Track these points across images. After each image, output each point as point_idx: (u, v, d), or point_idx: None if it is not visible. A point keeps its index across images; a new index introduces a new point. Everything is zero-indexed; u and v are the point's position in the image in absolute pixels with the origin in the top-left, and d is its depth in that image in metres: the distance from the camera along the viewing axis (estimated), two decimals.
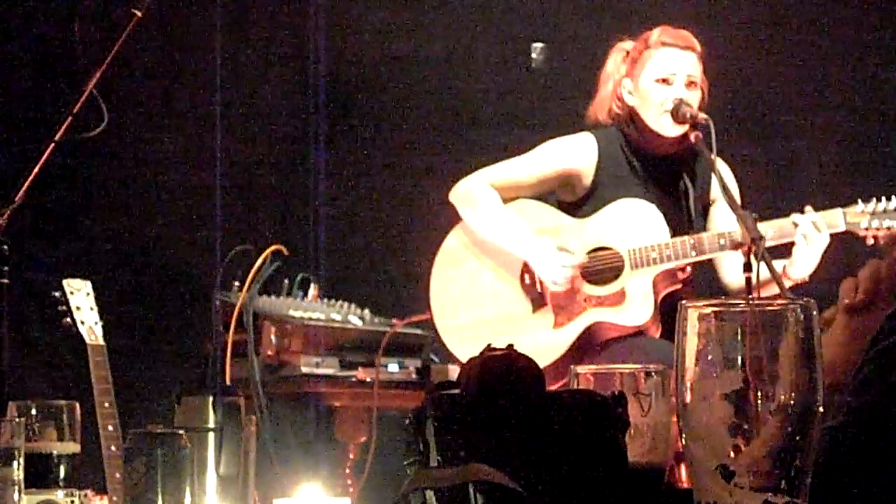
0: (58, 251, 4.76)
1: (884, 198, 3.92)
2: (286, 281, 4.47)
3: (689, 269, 4.08)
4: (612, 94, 4.14)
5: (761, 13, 5.26)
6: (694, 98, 4.03)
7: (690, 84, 4.05)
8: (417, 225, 5.06)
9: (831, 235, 3.93)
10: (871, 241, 3.91)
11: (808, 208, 3.95)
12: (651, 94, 4.05)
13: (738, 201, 3.92)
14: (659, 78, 4.05)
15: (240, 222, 5.32)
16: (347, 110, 5.71)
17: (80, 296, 3.47)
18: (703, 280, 4.20)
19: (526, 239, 4.08)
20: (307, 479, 2.86)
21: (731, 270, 4.13)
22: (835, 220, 3.91)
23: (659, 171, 4.13)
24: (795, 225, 3.90)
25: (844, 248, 3.97)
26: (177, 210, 5.19)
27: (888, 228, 3.89)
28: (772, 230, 3.88)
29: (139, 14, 3.50)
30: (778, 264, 3.81)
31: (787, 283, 3.81)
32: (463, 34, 5.55)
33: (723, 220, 4.05)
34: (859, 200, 3.93)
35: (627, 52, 4.14)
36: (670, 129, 4.03)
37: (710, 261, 4.12)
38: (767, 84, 5.27)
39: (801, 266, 3.91)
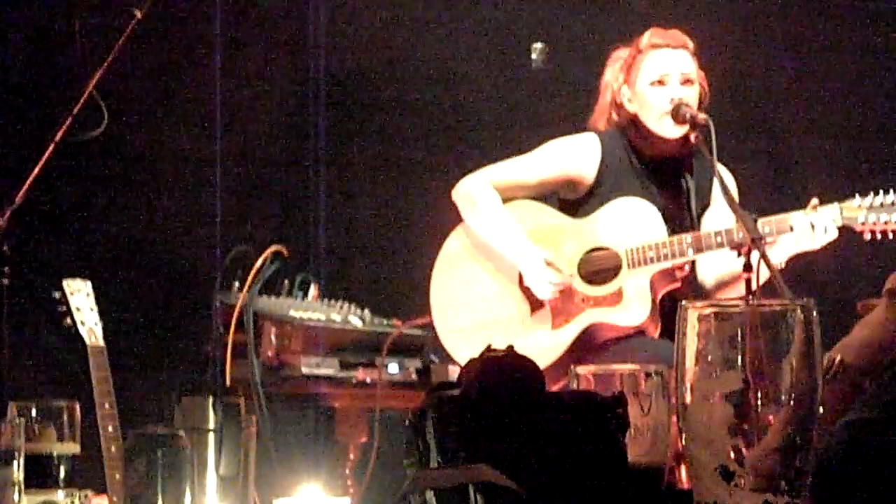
0: (58, 251, 4.76)
1: (881, 191, 3.90)
2: (286, 281, 4.47)
3: (687, 267, 4.07)
4: (611, 103, 4.14)
5: (759, 11, 5.26)
6: (691, 95, 4.03)
7: (686, 82, 4.04)
8: (417, 225, 5.06)
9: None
10: (867, 237, 3.88)
11: (815, 201, 3.92)
12: (648, 97, 4.05)
13: (737, 201, 3.91)
14: (653, 80, 4.05)
15: (240, 223, 5.32)
16: (347, 110, 5.71)
17: (80, 296, 3.47)
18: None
19: (519, 248, 4.08)
20: (307, 480, 2.86)
21: (705, 266, 4.13)
22: (829, 220, 3.89)
23: (661, 171, 4.13)
24: (791, 228, 3.89)
25: (843, 244, 3.96)
26: (177, 210, 5.19)
27: (885, 223, 3.87)
28: (769, 226, 3.87)
29: (139, 14, 3.50)
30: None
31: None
32: (463, 34, 5.55)
33: (715, 224, 4.04)
34: (856, 195, 3.91)
35: (625, 60, 4.14)
36: (671, 131, 4.03)
37: None
38: (766, 82, 5.27)
39: (779, 251, 3.88)
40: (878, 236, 3.88)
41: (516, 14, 5.53)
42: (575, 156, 4.13)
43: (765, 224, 3.85)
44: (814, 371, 1.08)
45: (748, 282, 3.67)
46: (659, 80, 4.04)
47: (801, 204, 3.95)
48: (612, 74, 4.15)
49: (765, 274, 3.64)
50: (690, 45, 4.08)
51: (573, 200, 4.17)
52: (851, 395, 1.65)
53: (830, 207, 3.90)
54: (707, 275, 4.16)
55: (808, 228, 3.87)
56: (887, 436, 1.54)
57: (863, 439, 1.52)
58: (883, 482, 1.51)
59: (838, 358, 1.77)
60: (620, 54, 4.16)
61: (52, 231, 4.82)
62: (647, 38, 4.09)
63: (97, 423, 3.17)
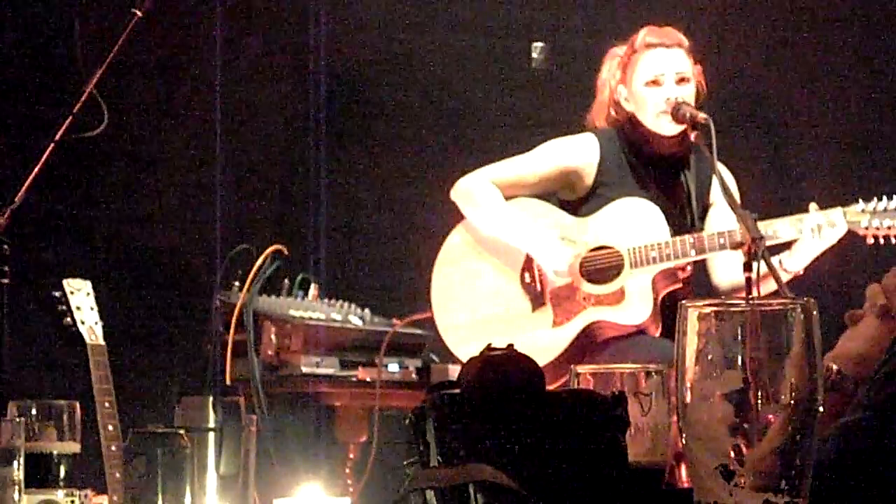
0: (58, 251, 4.76)
1: (885, 197, 3.93)
2: (286, 281, 4.47)
3: (689, 268, 4.08)
4: (609, 101, 4.15)
5: (762, 12, 5.26)
6: (687, 94, 4.03)
7: (681, 81, 4.04)
8: (418, 224, 5.06)
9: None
10: (870, 241, 3.92)
11: (813, 205, 3.94)
12: (644, 97, 4.05)
13: (738, 201, 3.92)
14: (648, 80, 4.05)
15: (240, 222, 5.32)
16: (347, 110, 5.71)
17: (81, 295, 3.47)
18: (703, 279, 4.21)
19: (529, 231, 4.09)
20: (307, 479, 2.86)
21: (722, 269, 4.14)
22: (835, 219, 3.92)
23: (660, 171, 4.13)
24: (800, 231, 3.91)
25: (844, 247, 3.98)
26: (177, 210, 5.20)
27: (888, 228, 3.90)
28: (774, 228, 3.88)
29: (139, 14, 3.50)
30: (775, 259, 3.82)
31: (783, 276, 3.81)
32: (463, 33, 5.55)
33: (721, 224, 4.05)
34: (859, 199, 3.94)
35: (620, 58, 4.14)
36: (669, 129, 4.03)
37: (705, 259, 4.13)
38: (768, 83, 5.27)
39: (798, 259, 3.92)
40: (881, 241, 3.92)
41: (516, 14, 5.53)
42: (574, 155, 4.14)
43: (768, 227, 3.86)
44: (814, 370, 1.08)
45: (748, 280, 3.67)
46: (654, 81, 4.04)
47: (802, 207, 3.96)
48: (608, 72, 4.16)
49: (769, 280, 3.66)
50: (686, 42, 4.08)
51: (573, 201, 4.17)
52: (848, 405, 1.65)
53: (834, 211, 3.93)
54: (722, 279, 4.16)
55: (817, 228, 3.89)
56: (880, 436, 1.54)
57: (856, 440, 1.53)
58: (877, 482, 1.51)
59: (835, 368, 1.77)
60: (617, 51, 4.16)
61: (52, 230, 4.83)
62: (642, 37, 4.09)
63: (97, 423, 3.17)
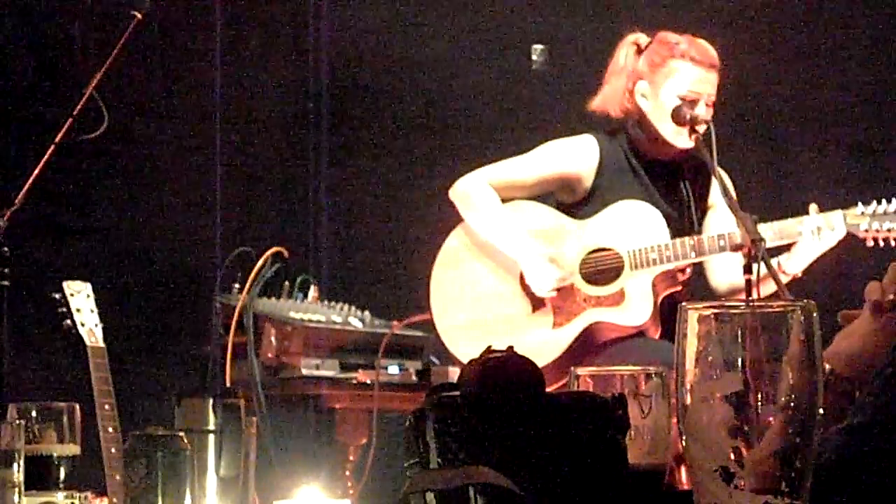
0: (58, 253, 4.76)
1: (884, 200, 3.93)
2: (286, 283, 4.47)
3: (689, 270, 4.08)
4: (625, 90, 4.08)
5: (763, 15, 5.26)
6: (710, 115, 3.99)
7: (710, 104, 4.01)
8: (417, 226, 5.06)
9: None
10: (870, 243, 3.92)
11: (814, 206, 3.94)
12: (671, 109, 4.00)
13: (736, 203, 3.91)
14: (683, 95, 3.98)
15: (240, 224, 5.32)
16: (347, 112, 5.71)
17: (81, 298, 3.47)
18: (701, 281, 4.21)
19: (519, 244, 4.08)
20: (307, 481, 2.86)
21: (719, 271, 4.13)
22: (834, 222, 3.92)
23: (660, 173, 4.12)
24: (800, 233, 3.90)
25: (844, 250, 3.98)
26: (177, 212, 5.19)
27: (888, 230, 3.91)
28: (773, 231, 3.88)
29: (139, 16, 3.50)
30: (774, 261, 3.82)
31: (782, 278, 3.81)
32: (464, 36, 5.55)
33: (720, 226, 4.04)
34: (859, 202, 3.94)
35: (639, 47, 4.08)
36: (684, 143, 3.99)
37: (702, 262, 4.12)
38: (769, 86, 5.26)
39: (797, 261, 3.91)
40: (881, 243, 3.92)
41: (516, 15, 5.53)
42: (573, 157, 4.13)
43: (770, 229, 3.86)
44: (814, 372, 1.08)
45: (748, 282, 3.67)
46: (689, 99, 3.98)
47: (803, 211, 3.96)
48: (627, 59, 4.08)
49: (768, 282, 3.67)
50: (718, 64, 4.02)
51: (570, 203, 4.16)
52: (843, 403, 1.65)
53: (834, 213, 3.93)
54: (720, 281, 4.16)
55: (816, 230, 3.89)
56: (882, 440, 1.54)
57: (858, 443, 1.53)
58: (878, 485, 1.52)
59: (827, 367, 1.77)
60: (636, 38, 4.09)
61: (52, 233, 4.82)
62: (685, 46, 4.01)
63: (97, 425, 3.18)
